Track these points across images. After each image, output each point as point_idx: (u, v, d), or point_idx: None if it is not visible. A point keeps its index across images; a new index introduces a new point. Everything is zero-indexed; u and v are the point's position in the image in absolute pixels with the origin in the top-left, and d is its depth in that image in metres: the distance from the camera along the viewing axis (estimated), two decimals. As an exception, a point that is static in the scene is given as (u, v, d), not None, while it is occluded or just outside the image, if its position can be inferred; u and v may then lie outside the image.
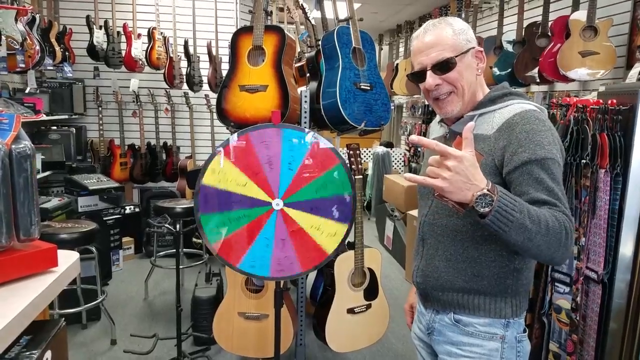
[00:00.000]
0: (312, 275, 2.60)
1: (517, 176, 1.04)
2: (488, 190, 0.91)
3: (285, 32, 2.17)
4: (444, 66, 1.13)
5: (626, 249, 1.79)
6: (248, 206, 1.64)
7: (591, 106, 1.84)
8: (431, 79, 1.15)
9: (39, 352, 0.86)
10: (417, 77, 1.18)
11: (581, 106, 1.85)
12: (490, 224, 0.93)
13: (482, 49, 1.18)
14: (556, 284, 1.90)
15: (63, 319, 1.01)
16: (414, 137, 0.96)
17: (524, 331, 1.20)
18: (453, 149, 0.92)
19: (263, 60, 2.15)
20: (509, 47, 3.43)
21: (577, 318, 1.82)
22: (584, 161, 1.83)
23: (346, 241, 1.77)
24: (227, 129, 2.24)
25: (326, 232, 1.65)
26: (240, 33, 2.20)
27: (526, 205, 0.95)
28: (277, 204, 1.69)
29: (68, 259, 1.14)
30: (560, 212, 0.98)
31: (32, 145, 1.00)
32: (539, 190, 1.01)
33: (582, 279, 1.82)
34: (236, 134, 1.60)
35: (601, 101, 1.82)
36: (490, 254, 1.13)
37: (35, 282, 0.99)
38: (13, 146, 0.96)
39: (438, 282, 1.20)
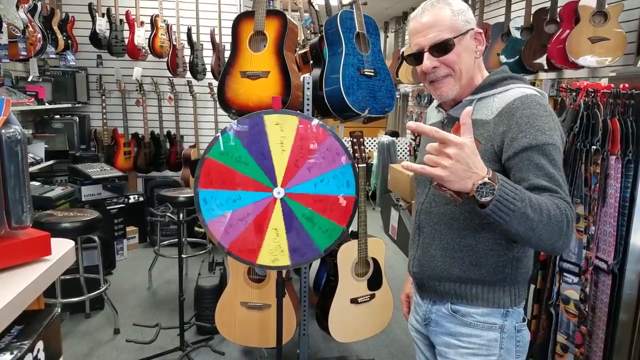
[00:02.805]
0: (315, 265, 2.57)
1: (517, 162, 1.01)
2: (489, 178, 0.87)
3: (288, 16, 2.12)
4: (441, 47, 1.09)
5: (637, 238, 1.74)
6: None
7: (602, 90, 1.78)
8: (428, 61, 1.11)
9: (30, 342, 0.83)
10: (414, 59, 1.14)
11: (592, 90, 1.79)
12: (491, 214, 0.89)
13: (481, 30, 1.14)
14: (564, 274, 1.86)
15: (57, 308, 0.99)
16: (412, 124, 0.91)
17: (523, 320, 1.18)
18: (454, 135, 0.88)
19: (265, 46, 2.11)
20: (516, 34, 3.36)
21: (586, 309, 1.78)
22: (594, 147, 1.77)
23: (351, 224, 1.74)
24: (229, 116, 2.20)
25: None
26: (242, 18, 2.15)
27: (527, 194, 0.91)
28: (279, 192, 1.66)
29: (62, 247, 1.11)
30: (561, 200, 0.95)
31: (23, 129, 0.97)
32: (540, 177, 0.97)
33: (591, 269, 1.77)
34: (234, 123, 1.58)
35: (612, 85, 1.76)
36: (488, 242, 1.10)
37: (27, 271, 0.96)
38: (3, 131, 0.93)
39: (435, 272, 1.18)
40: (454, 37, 1.09)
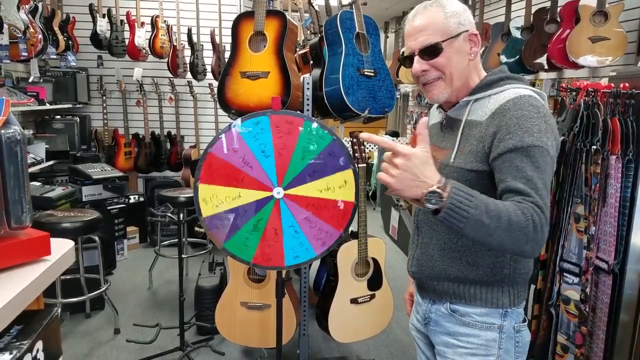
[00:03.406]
0: (315, 265, 2.57)
1: (500, 163, 1.01)
2: (439, 187, 0.90)
3: (287, 16, 2.12)
4: (430, 51, 1.09)
5: (638, 238, 1.74)
6: (256, 211, 1.62)
7: (602, 90, 1.77)
8: (418, 64, 1.11)
9: (29, 342, 0.83)
10: (406, 61, 1.15)
11: (592, 90, 1.79)
12: (443, 220, 0.92)
13: (477, 32, 1.12)
14: (565, 274, 1.85)
15: (56, 308, 0.98)
16: (364, 135, 0.97)
17: (524, 321, 1.17)
18: (402, 146, 0.92)
19: (264, 46, 2.11)
20: (517, 34, 3.36)
21: (587, 309, 1.77)
22: (594, 147, 1.77)
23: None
24: (229, 116, 2.20)
25: (337, 187, 1.62)
26: (242, 18, 2.15)
27: (486, 201, 0.92)
28: (278, 192, 1.66)
29: (62, 247, 1.12)
30: (531, 204, 0.93)
31: (22, 130, 0.97)
32: (517, 179, 0.96)
33: (591, 269, 1.77)
34: (206, 149, 1.56)
35: (613, 85, 1.76)
36: None
37: (26, 271, 0.97)
38: (2, 131, 0.93)
39: (433, 271, 1.18)
40: (444, 41, 1.08)
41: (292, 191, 1.62)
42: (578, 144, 1.83)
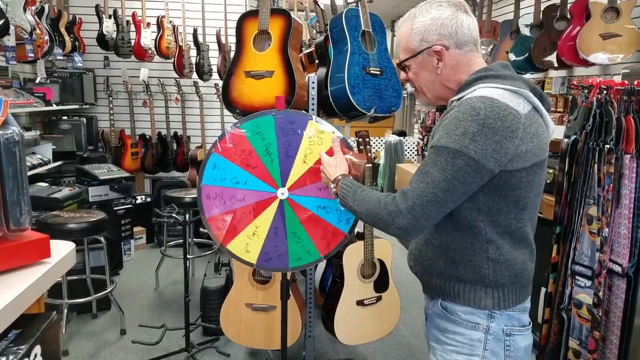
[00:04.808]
0: (322, 266, 2.55)
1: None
2: (332, 182, 1.33)
3: (292, 15, 2.10)
4: (401, 67, 1.21)
5: (652, 240, 1.69)
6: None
7: (616, 87, 1.73)
8: (402, 74, 1.24)
9: (27, 346, 0.82)
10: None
11: (605, 87, 1.75)
12: (339, 205, 1.29)
13: (441, 46, 1.11)
14: (576, 277, 1.81)
15: (55, 312, 0.97)
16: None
17: (523, 326, 1.14)
18: (323, 153, 1.49)
19: (269, 45, 2.08)
20: (526, 31, 3.30)
21: (599, 314, 1.73)
22: (607, 146, 1.72)
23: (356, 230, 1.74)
24: (234, 116, 2.18)
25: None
26: (246, 17, 2.13)
27: (362, 194, 1.17)
28: (283, 193, 1.64)
29: (63, 249, 1.10)
30: (398, 195, 1.07)
31: (21, 130, 0.96)
32: (416, 173, 1.07)
33: (605, 273, 1.72)
34: (230, 126, 1.57)
35: (627, 82, 1.71)
36: (462, 241, 1.10)
37: (25, 274, 0.95)
38: (1, 132, 0.92)
39: (423, 266, 1.21)
40: (408, 58, 1.17)
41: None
42: (590, 143, 1.79)
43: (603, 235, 1.73)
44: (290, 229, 1.64)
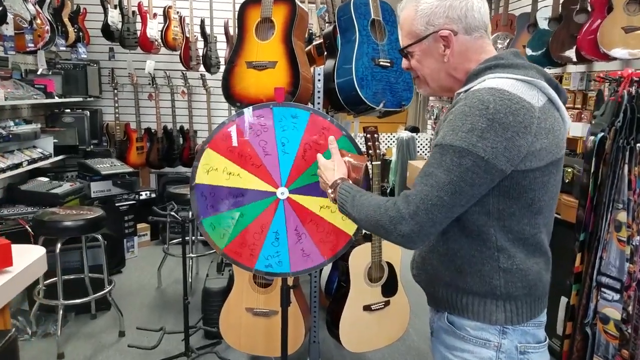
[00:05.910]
0: (327, 268, 2.43)
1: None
2: (330, 186, 1.24)
3: (297, 2, 1.96)
4: (404, 54, 1.10)
5: (690, 249, 1.54)
6: (249, 201, 1.50)
7: (651, 81, 1.57)
8: (404, 62, 1.13)
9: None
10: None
11: (637, 79, 1.59)
12: (339, 210, 1.18)
13: (448, 31, 1.00)
14: (603, 289, 1.66)
15: (13, 329, 0.86)
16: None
17: (539, 342, 1.03)
18: (320, 156, 1.36)
19: (272, 34, 1.96)
20: (544, 25, 3.14)
21: (629, 330, 1.58)
22: (639, 145, 1.56)
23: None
24: (235, 110, 2.06)
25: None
26: (249, 4, 2.00)
27: (360, 199, 1.08)
28: (282, 192, 1.52)
29: (29, 256, 0.99)
30: (400, 200, 0.97)
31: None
32: (419, 175, 0.98)
33: (635, 285, 1.57)
34: (228, 119, 1.46)
35: (663, 75, 1.55)
36: (469, 248, 1.00)
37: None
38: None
39: (428, 275, 1.11)
40: (412, 44, 1.06)
41: (297, 198, 1.51)
42: (620, 141, 1.63)
43: (633, 243, 1.57)
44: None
